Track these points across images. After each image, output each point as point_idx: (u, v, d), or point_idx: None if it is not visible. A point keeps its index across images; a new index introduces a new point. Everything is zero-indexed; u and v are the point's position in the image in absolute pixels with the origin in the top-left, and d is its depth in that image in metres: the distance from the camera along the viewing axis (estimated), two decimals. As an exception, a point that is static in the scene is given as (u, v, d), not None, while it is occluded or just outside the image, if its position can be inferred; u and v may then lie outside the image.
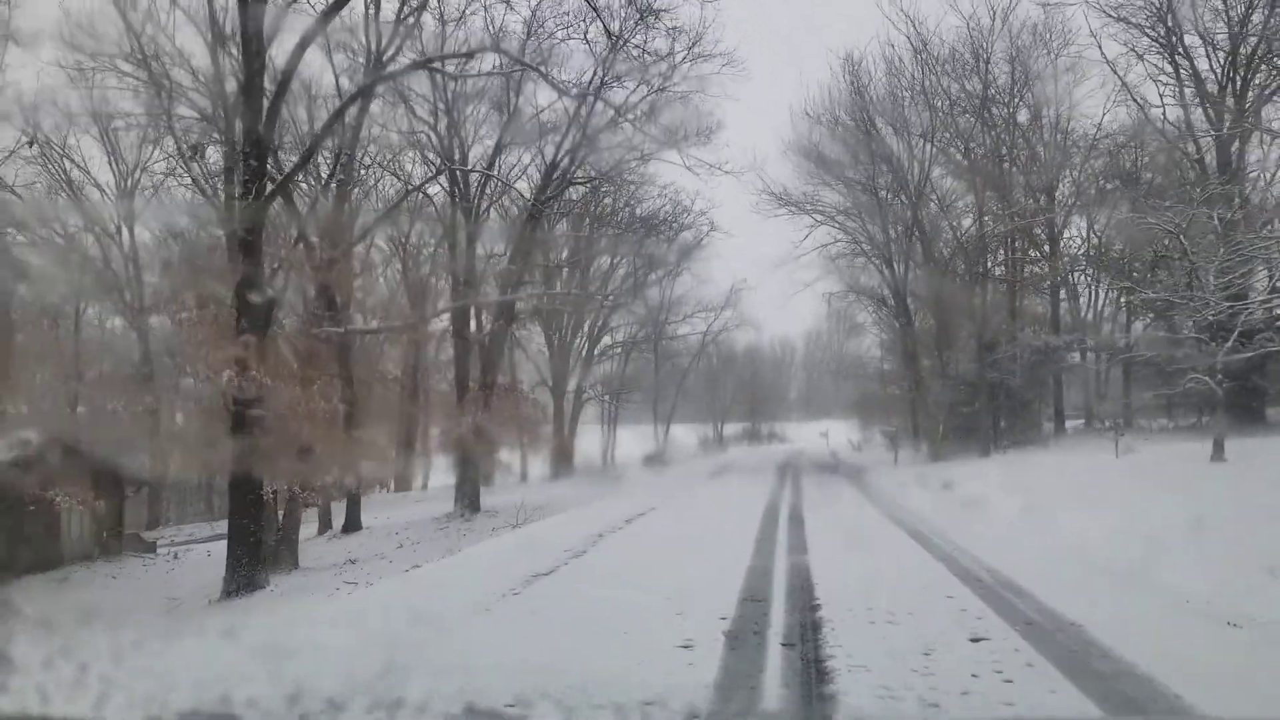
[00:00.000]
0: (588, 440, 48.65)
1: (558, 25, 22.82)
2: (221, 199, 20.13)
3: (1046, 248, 34.32)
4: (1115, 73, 29.21)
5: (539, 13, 23.01)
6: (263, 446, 14.53)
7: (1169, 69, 29.00)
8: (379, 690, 4.11)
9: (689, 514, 18.57)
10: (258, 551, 15.00)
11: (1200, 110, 28.78)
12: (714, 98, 35.91)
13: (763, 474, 32.15)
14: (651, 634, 6.30)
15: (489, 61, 22.92)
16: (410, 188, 23.67)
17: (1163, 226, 19.03)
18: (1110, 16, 28.49)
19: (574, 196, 32.76)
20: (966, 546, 10.70)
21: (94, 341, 33.91)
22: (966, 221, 34.96)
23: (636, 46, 21.32)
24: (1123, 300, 33.67)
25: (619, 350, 51.34)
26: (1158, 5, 27.93)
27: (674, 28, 21.38)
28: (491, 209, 29.41)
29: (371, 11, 20.79)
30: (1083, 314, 36.94)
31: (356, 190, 26.83)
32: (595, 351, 47.96)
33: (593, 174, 29.79)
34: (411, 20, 19.54)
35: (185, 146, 19.73)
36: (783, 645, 6.05)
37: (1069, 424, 34.33)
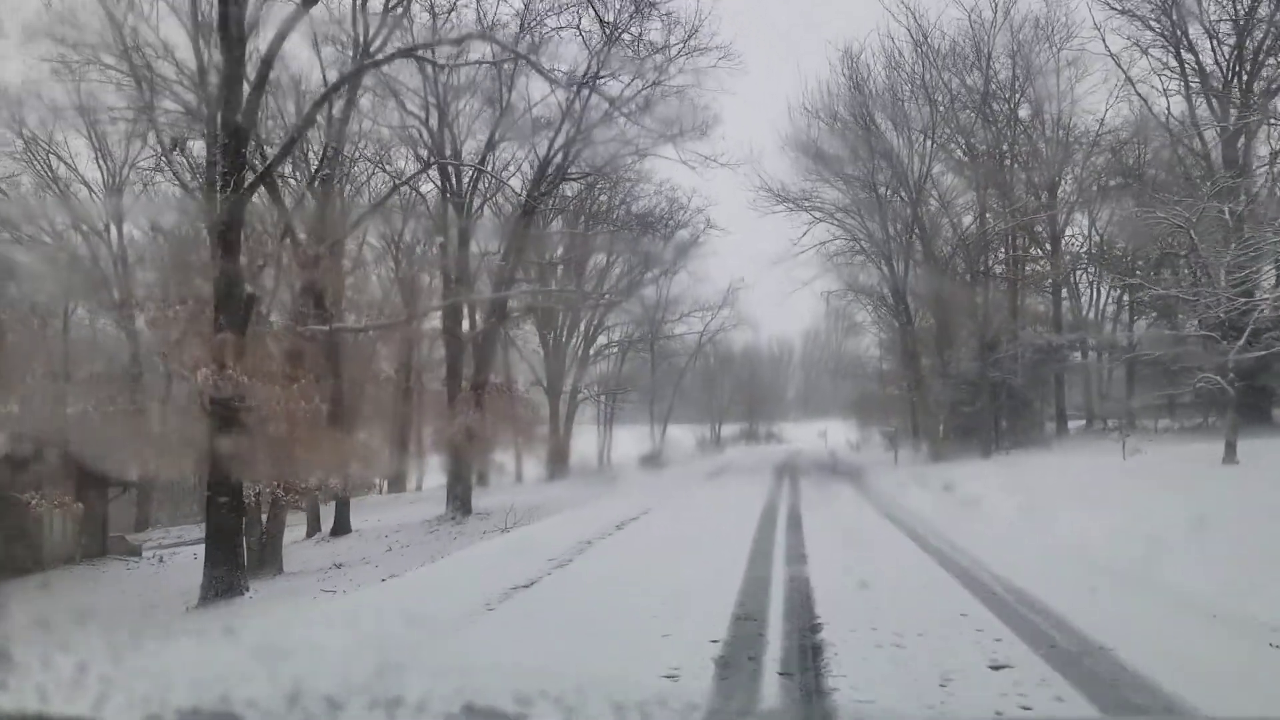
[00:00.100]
0: (584, 441, 48.25)
1: (549, 9, 22.27)
2: (204, 193, 19.63)
3: (1048, 245, 33.88)
4: (1119, 65, 28.76)
5: (532, 5, 22.53)
6: (242, 447, 14.09)
7: (1174, 63, 28.57)
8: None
9: (683, 518, 18.04)
10: (236, 556, 14.60)
11: (1205, 104, 28.34)
12: (710, 92, 35.47)
13: (760, 475, 31.65)
14: (634, 660, 5.74)
15: (480, 54, 22.46)
16: (398, 181, 23.13)
17: (1172, 221, 18.52)
18: (1114, 9, 28.05)
19: (569, 193, 32.30)
20: (976, 554, 10.16)
21: (81, 341, 33.44)
22: (967, 219, 34.51)
23: (631, 35, 20.80)
24: (1125, 298, 33.23)
25: (615, 350, 50.91)
26: (1162, -2, 27.52)
27: (669, 14, 20.89)
28: (485, 206, 28.99)
29: (359, 2, 20.34)
30: (1084, 313, 36.53)
31: (349, 187, 26.41)
32: (591, 351, 47.53)
33: (587, 170, 29.31)
34: (400, 10, 19.03)
35: (166, 139, 19.21)
36: (780, 674, 5.47)
37: (1069, 424, 33.89)
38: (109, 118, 25.92)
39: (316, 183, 21.60)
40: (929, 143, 33.36)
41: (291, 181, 22.96)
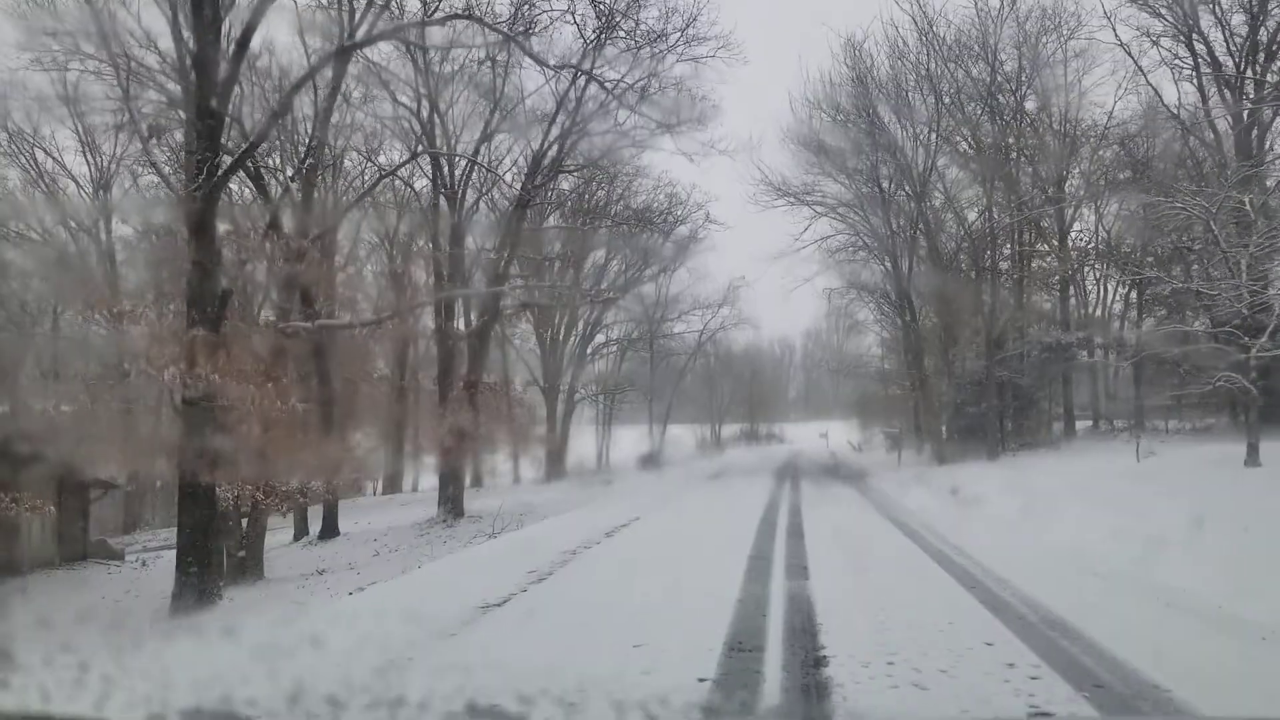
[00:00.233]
0: (583, 441, 47.63)
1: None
2: (180, 181, 18.97)
3: (1055, 241, 33.15)
4: (1130, 55, 28.08)
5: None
6: (215, 449, 13.40)
7: (1185, 53, 27.87)
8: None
9: (679, 524, 17.29)
10: (209, 562, 13.92)
11: (1218, 94, 27.66)
12: (709, 83, 34.71)
13: (760, 477, 30.97)
14: (605, 711, 4.95)
15: (472, 42, 21.71)
16: (383, 172, 22.38)
17: (1191, 212, 17.82)
18: (1124, -1, 27.37)
19: (565, 188, 31.61)
20: (995, 569, 9.40)
21: (68, 340, 32.78)
22: (972, 215, 33.72)
23: (629, 19, 20.06)
24: (1133, 296, 32.53)
25: (614, 349, 50.26)
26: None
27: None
28: (480, 201, 28.28)
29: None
30: (1092, 310, 35.83)
31: (340, 182, 25.72)
32: (589, 350, 46.87)
33: (583, 163, 28.60)
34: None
35: (144, 127, 18.52)
36: (779, 728, 4.72)
37: (1076, 425, 33.20)
38: (90, 108, 25.33)
39: (301, 173, 20.88)
40: (934, 136, 32.57)
41: (278, 175, 22.29)
